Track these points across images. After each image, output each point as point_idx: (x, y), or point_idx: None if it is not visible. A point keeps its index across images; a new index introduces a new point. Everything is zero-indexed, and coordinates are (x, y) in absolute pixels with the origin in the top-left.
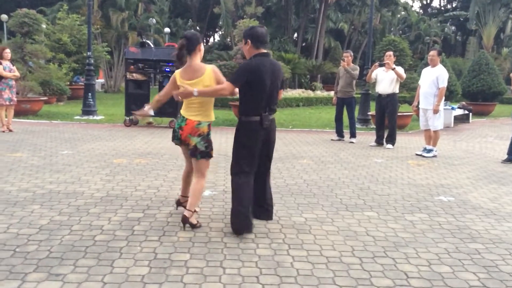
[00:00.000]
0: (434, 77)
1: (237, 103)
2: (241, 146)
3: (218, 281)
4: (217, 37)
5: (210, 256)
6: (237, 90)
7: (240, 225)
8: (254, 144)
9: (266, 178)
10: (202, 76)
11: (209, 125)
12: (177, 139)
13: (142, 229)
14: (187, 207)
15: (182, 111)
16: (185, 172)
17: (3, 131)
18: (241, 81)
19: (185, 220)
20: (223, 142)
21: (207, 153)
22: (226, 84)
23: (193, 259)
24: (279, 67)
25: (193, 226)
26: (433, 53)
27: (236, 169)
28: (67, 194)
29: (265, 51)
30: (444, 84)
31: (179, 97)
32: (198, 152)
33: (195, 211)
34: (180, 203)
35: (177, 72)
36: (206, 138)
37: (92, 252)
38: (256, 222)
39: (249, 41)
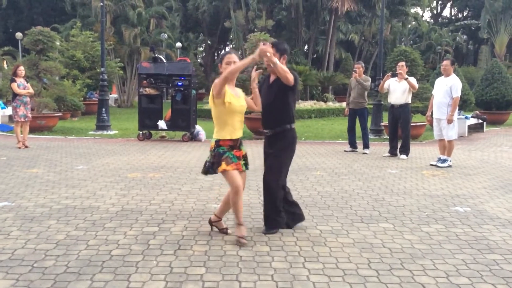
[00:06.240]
0: (448, 87)
1: (252, 116)
2: (291, 155)
3: None
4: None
5: (226, 270)
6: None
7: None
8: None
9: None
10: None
11: None
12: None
13: (157, 243)
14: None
15: (235, 134)
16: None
17: (19, 148)
18: (296, 84)
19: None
20: None
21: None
22: (290, 73)
23: (209, 273)
24: None
25: (220, 231)
26: (446, 62)
27: (282, 181)
28: (83, 209)
29: None
30: (457, 93)
31: (263, 54)
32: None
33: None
34: (211, 222)
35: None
36: None
37: (109, 266)
38: (270, 235)
39: (285, 56)
